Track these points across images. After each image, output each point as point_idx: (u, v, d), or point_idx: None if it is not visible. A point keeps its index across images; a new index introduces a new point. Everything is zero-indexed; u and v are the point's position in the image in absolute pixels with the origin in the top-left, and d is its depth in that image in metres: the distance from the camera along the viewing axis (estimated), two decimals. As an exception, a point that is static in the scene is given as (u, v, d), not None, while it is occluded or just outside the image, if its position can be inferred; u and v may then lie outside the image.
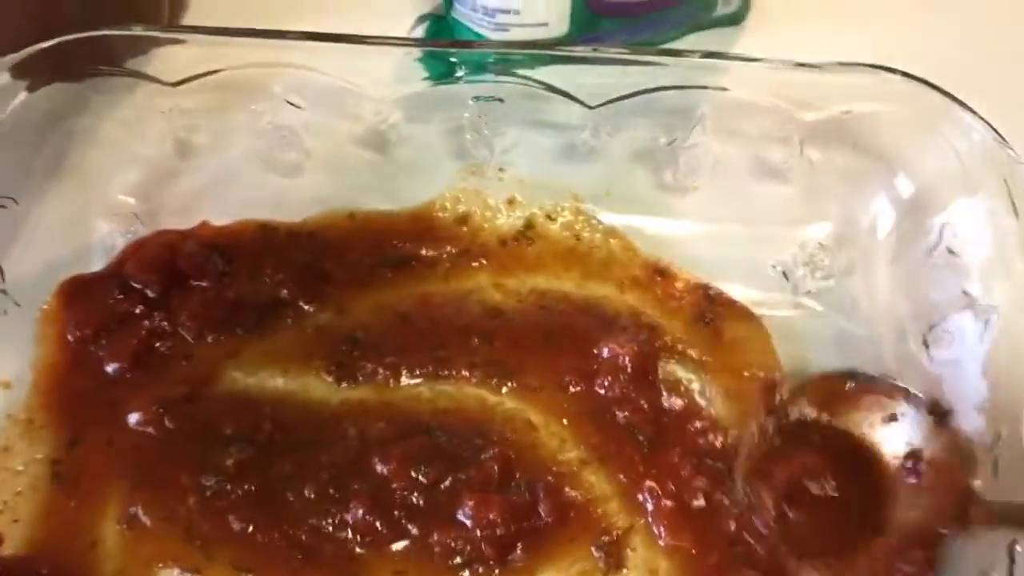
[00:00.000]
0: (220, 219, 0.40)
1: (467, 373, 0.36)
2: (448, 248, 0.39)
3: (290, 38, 0.38)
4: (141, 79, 0.39)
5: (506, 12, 0.42)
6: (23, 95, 0.37)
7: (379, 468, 0.33)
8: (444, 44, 0.39)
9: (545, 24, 0.43)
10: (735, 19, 0.47)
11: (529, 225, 0.40)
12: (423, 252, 0.39)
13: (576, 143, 0.40)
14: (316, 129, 0.40)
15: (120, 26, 0.38)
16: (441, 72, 0.40)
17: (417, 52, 0.38)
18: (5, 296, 0.36)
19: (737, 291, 0.38)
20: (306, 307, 0.38)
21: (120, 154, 0.40)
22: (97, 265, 0.38)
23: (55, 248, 0.38)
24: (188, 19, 0.47)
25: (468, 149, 0.40)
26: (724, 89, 0.38)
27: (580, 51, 0.38)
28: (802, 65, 0.38)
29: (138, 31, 0.38)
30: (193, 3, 0.47)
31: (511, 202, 0.40)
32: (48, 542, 0.32)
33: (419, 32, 0.46)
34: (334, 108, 0.40)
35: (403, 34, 0.46)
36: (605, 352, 0.36)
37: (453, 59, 0.39)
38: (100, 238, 0.39)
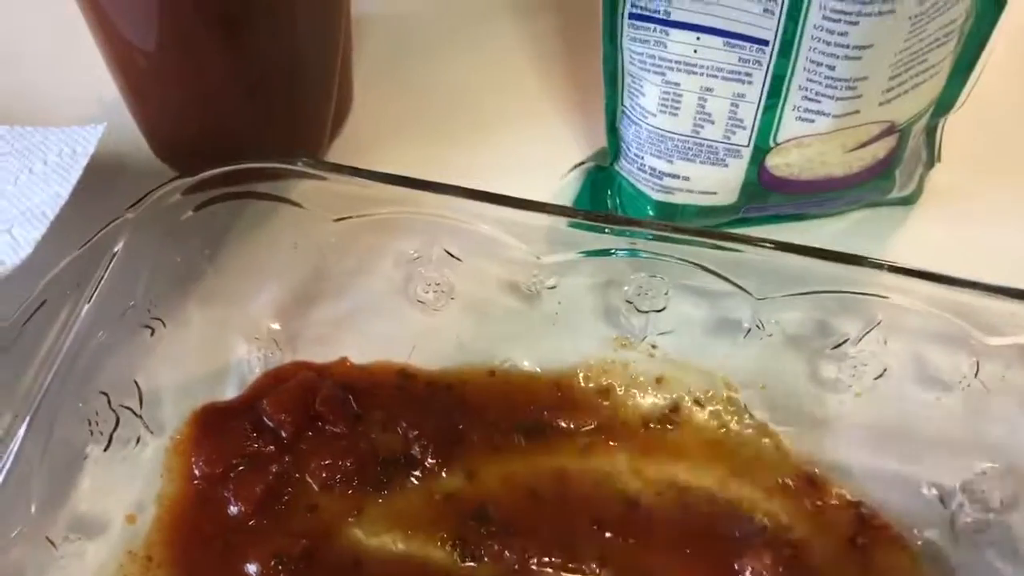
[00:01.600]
0: (358, 352, 0.39)
1: (597, 569, 0.34)
2: (588, 422, 0.37)
3: (451, 193, 0.37)
4: (296, 207, 0.38)
5: (675, 177, 0.41)
6: (189, 214, 0.37)
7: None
8: (599, 218, 0.37)
9: (714, 193, 0.41)
10: (908, 200, 0.45)
11: (675, 408, 0.38)
12: (561, 423, 0.37)
13: (733, 319, 0.38)
14: (463, 271, 0.39)
15: (288, 159, 0.37)
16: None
17: (572, 222, 0.37)
18: (140, 423, 0.35)
19: (890, 509, 0.36)
20: (436, 468, 0.36)
21: (263, 277, 0.39)
22: (231, 390, 0.38)
23: (191, 369, 0.37)
24: (348, 131, 0.47)
25: (620, 316, 0.39)
26: (885, 297, 0.36)
27: (741, 245, 0.36)
28: (976, 286, 0.35)
29: (303, 167, 0.37)
30: (352, 117, 0.47)
31: (659, 380, 0.38)
32: None
33: (577, 178, 0.45)
34: (484, 253, 0.39)
35: (561, 174, 0.45)
36: (748, 572, 0.34)
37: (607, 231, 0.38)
38: (237, 361, 0.38)
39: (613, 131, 0.42)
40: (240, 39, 0.38)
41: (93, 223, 0.36)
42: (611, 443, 0.37)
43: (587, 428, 0.37)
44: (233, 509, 0.35)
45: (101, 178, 0.40)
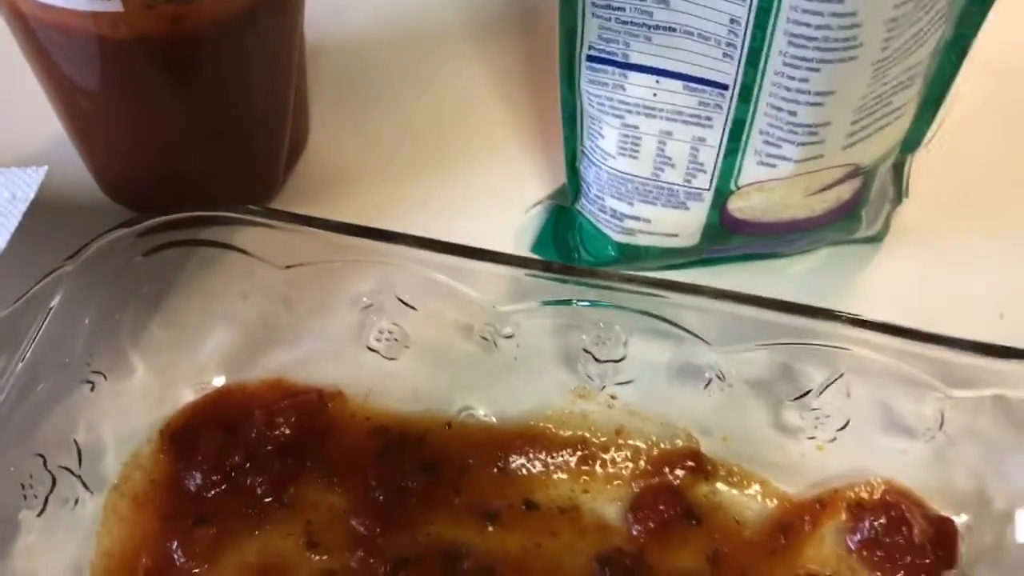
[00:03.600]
0: (309, 400, 0.38)
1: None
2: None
3: (402, 243, 0.36)
4: (245, 255, 0.37)
5: (636, 219, 0.40)
6: (134, 261, 0.35)
7: None
8: (553, 269, 0.36)
9: (676, 235, 0.40)
10: (875, 238, 0.44)
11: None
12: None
13: (694, 366, 0.37)
14: (417, 319, 0.38)
15: (238, 207, 0.36)
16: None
17: (529, 272, 0.36)
18: (78, 482, 0.34)
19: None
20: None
21: (210, 325, 0.38)
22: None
23: (134, 422, 0.36)
24: (304, 167, 0.46)
25: (578, 364, 0.38)
26: (847, 349, 0.35)
27: (698, 298, 0.35)
28: (941, 340, 0.35)
29: (253, 216, 0.36)
30: (307, 152, 0.46)
31: (619, 432, 0.37)
32: None
33: (539, 215, 0.44)
34: (439, 300, 0.38)
35: (523, 210, 0.44)
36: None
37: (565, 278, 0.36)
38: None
39: (573, 171, 0.41)
40: (188, 83, 0.37)
41: (36, 270, 0.35)
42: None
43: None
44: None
45: (42, 218, 0.39)
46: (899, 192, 0.43)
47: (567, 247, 0.43)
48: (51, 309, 0.33)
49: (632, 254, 0.41)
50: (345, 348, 0.38)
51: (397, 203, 0.45)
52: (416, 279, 0.37)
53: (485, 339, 0.37)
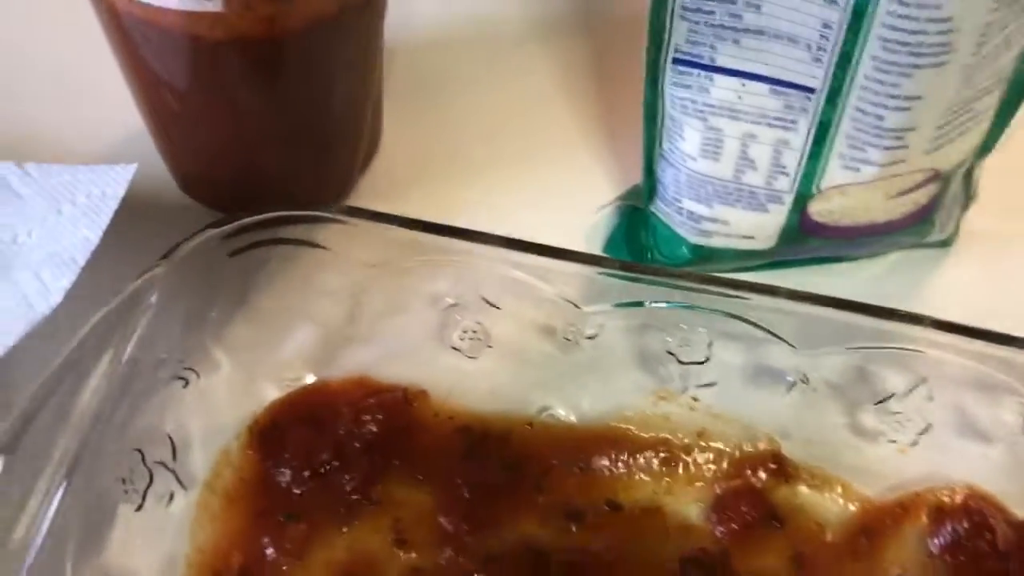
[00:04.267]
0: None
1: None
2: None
3: (485, 242, 0.36)
4: (328, 253, 0.37)
5: (713, 221, 0.40)
6: (223, 262, 0.36)
7: None
8: (634, 269, 0.36)
9: (752, 237, 0.40)
10: (945, 243, 0.44)
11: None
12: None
13: (776, 369, 0.37)
14: (500, 317, 0.39)
15: (324, 206, 0.36)
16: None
17: (617, 274, 0.36)
18: (173, 478, 0.34)
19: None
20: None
21: (294, 323, 0.38)
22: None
23: (220, 419, 0.36)
24: (377, 168, 0.46)
25: (660, 367, 0.38)
26: (924, 352, 0.36)
27: (781, 300, 0.35)
28: (1015, 342, 0.35)
29: (339, 214, 0.36)
30: (380, 152, 0.46)
31: (700, 434, 0.37)
32: None
33: (611, 216, 0.44)
34: (521, 300, 0.38)
35: (592, 211, 0.44)
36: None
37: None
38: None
39: (650, 172, 0.41)
40: (276, 83, 0.37)
41: (122, 267, 0.35)
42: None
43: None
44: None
45: (128, 217, 0.39)
46: (968, 196, 0.43)
47: (639, 248, 0.43)
48: (149, 306, 0.33)
49: (706, 256, 0.41)
50: (426, 347, 0.38)
51: (466, 203, 0.45)
52: (499, 278, 0.37)
53: (568, 339, 0.38)
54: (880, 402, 0.36)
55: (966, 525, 0.35)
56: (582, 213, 0.44)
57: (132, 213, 0.40)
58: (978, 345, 0.35)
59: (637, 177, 0.43)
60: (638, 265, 0.37)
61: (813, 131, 0.36)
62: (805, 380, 0.36)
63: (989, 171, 0.42)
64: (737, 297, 0.35)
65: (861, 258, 0.44)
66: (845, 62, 0.34)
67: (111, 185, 0.38)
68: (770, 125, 0.37)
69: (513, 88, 0.49)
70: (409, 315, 0.39)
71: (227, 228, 0.36)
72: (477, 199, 0.45)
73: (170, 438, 0.34)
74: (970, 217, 0.44)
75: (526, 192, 0.46)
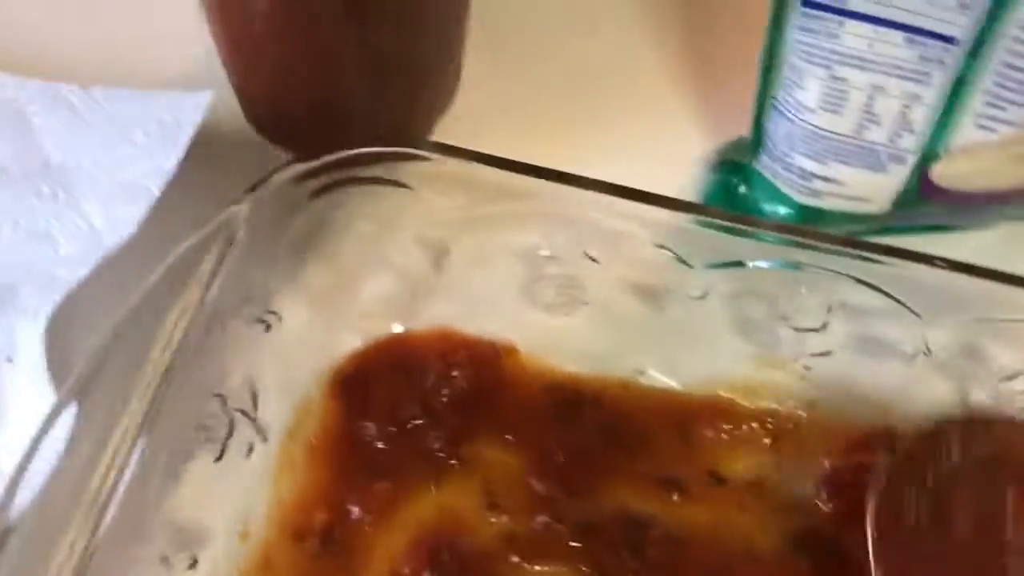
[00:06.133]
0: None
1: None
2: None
3: (590, 188, 0.34)
4: (416, 196, 0.35)
5: (826, 180, 0.37)
6: (307, 200, 0.33)
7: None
8: (755, 224, 0.34)
9: (866, 200, 0.38)
10: (1059, 216, 0.41)
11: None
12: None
13: (893, 340, 0.35)
14: (596, 272, 0.36)
15: (415, 143, 0.34)
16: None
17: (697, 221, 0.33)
18: (253, 428, 0.32)
19: None
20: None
21: (378, 269, 0.36)
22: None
23: (300, 368, 0.34)
24: (455, 112, 0.43)
25: (766, 333, 0.35)
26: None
27: (915, 263, 0.33)
28: None
29: (432, 152, 0.34)
30: (459, 95, 0.44)
31: (812, 405, 0.35)
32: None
33: (705, 174, 0.41)
34: (620, 255, 0.36)
35: (685, 167, 0.42)
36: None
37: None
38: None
39: (759, 125, 0.38)
40: (364, 10, 0.34)
41: (195, 203, 0.33)
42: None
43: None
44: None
45: (194, 153, 0.37)
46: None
47: (740, 208, 0.40)
48: (234, 243, 0.31)
49: (812, 218, 0.39)
50: (516, 300, 0.36)
51: (549, 155, 0.42)
52: (595, 229, 0.35)
53: (669, 299, 0.35)
54: (1007, 379, 0.34)
55: None
56: (673, 168, 0.42)
57: (205, 148, 0.38)
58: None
59: (731, 132, 0.40)
60: (755, 219, 0.35)
61: (949, 86, 0.34)
62: (927, 352, 0.34)
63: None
64: (872, 259, 0.32)
65: (970, 229, 0.41)
66: (997, 10, 0.31)
67: (186, 113, 0.35)
68: (902, 77, 0.34)
69: (601, 33, 0.46)
70: (498, 266, 0.36)
71: (313, 164, 0.33)
72: (558, 153, 0.42)
73: (251, 385, 0.32)
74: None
75: (612, 144, 0.43)
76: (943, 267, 0.32)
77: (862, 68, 0.34)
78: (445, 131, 0.43)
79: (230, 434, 0.31)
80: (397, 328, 0.36)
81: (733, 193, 0.40)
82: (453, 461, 0.33)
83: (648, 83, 0.45)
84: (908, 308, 0.33)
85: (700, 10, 0.48)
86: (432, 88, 0.40)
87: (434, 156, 0.34)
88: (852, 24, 0.33)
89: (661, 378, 0.36)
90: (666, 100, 0.45)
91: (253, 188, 0.32)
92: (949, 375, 0.35)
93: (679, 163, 0.42)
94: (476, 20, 0.45)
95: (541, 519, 0.32)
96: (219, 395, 0.31)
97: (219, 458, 0.31)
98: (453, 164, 0.34)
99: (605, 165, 0.42)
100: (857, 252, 0.32)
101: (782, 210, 0.39)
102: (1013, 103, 0.33)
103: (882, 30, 0.33)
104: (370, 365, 0.34)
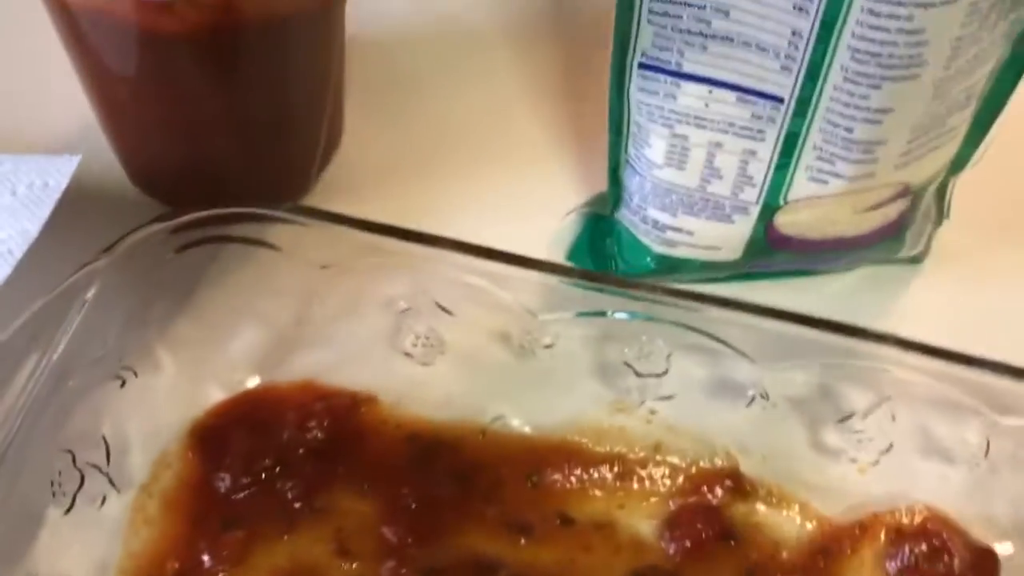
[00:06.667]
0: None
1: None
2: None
3: (442, 246, 0.35)
4: (279, 253, 0.36)
5: (678, 231, 0.39)
6: (167, 257, 0.35)
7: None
8: (595, 279, 0.36)
9: (718, 248, 0.39)
10: (916, 259, 0.43)
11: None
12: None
13: (736, 383, 0.36)
14: (454, 324, 0.37)
15: (275, 205, 0.35)
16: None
17: (574, 282, 0.35)
18: (106, 480, 0.33)
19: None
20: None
21: (241, 323, 0.37)
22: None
23: (162, 420, 0.35)
24: (337, 164, 0.45)
25: (618, 378, 0.37)
26: (889, 371, 0.35)
27: (743, 313, 0.34)
28: (985, 364, 0.34)
29: (291, 214, 0.35)
30: (341, 149, 0.45)
31: (657, 448, 0.36)
32: None
33: (575, 223, 0.43)
34: (476, 306, 0.37)
35: (556, 218, 0.43)
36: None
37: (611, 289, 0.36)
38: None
39: (616, 179, 0.40)
40: (229, 74, 0.36)
41: (63, 262, 0.34)
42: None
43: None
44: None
45: (75, 211, 0.38)
46: (940, 213, 0.42)
47: (604, 256, 0.42)
48: (86, 302, 0.32)
49: (671, 266, 0.40)
50: (378, 352, 0.37)
51: (428, 206, 0.44)
52: (453, 284, 0.36)
53: (523, 348, 0.37)
54: (842, 420, 0.36)
55: (924, 548, 0.34)
56: (546, 219, 0.43)
57: (81, 207, 0.39)
58: (943, 365, 0.34)
59: (603, 184, 0.42)
60: (597, 274, 0.36)
61: (781, 142, 0.35)
62: (765, 396, 0.36)
63: (963, 188, 0.42)
64: (696, 309, 0.34)
65: (830, 272, 0.43)
66: (814, 72, 0.33)
67: (54, 176, 0.36)
68: (737, 134, 0.36)
69: (478, 90, 0.48)
70: (361, 319, 0.38)
71: (174, 223, 0.34)
72: (437, 203, 0.44)
73: (104, 439, 0.33)
74: (942, 234, 0.43)
75: (489, 196, 0.44)
76: (744, 311, 0.34)
77: (700, 126, 0.36)
78: (328, 185, 0.45)
79: (80, 487, 0.32)
80: (260, 380, 0.37)
81: (599, 244, 0.42)
82: (307, 510, 0.34)
83: (524, 138, 0.47)
84: (741, 353, 0.35)
85: (576, 68, 0.49)
86: (307, 146, 0.41)
87: (293, 217, 0.36)
88: (687, 85, 0.35)
89: (519, 424, 0.37)
90: (540, 154, 0.46)
91: (109, 248, 0.33)
92: (799, 415, 0.37)
93: (552, 215, 0.43)
94: (358, 78, 0.47)
95: (389, 565, 0.33)
96: (68, 451, 0.32)
97: (68, 510, 0.31)
98: (316, 226, 0.36)
99: (481, 217, 0.44)
100: (686, 304, 0.34)
101: (643, 259, 0.41)
102: (839, 157, 0.35)
103: (716, 90, 0.35)
104: (229, 417, 0.35)
